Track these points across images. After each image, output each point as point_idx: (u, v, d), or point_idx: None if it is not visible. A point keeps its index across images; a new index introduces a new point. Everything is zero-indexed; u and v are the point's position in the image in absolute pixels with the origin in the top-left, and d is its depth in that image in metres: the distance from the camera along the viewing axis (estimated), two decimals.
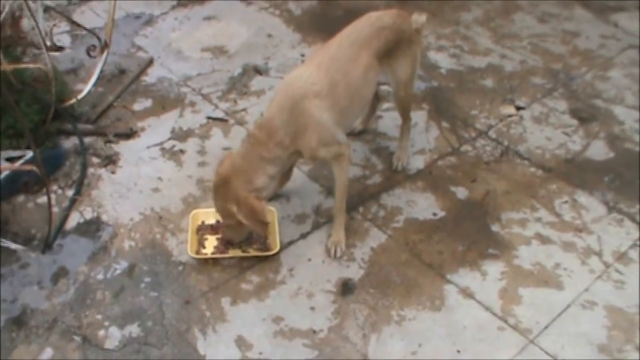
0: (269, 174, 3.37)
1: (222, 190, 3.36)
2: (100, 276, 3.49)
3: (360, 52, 3.57)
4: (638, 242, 3.84)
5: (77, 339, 3.21)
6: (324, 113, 3.36)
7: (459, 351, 3.22)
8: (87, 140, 4.29)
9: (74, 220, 3.81)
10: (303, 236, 3.76)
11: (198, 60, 5.13)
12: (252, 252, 3.61)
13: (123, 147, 4.27)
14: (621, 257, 3.75)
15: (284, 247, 3.67)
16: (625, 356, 3.25)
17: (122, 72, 4.87)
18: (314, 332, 3.27)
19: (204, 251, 3.60)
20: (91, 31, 4.58)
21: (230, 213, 3.35)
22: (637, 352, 3.27)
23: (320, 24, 5.62)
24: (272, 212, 3.72)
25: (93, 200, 3.91)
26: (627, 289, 3.58)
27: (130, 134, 4.36)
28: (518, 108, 4.83)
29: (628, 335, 3.35)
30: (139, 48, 5.22)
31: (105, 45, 4.52)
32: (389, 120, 4.56)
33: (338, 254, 3.63)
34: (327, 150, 3.46)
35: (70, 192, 3.96)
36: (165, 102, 4.67)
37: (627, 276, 3.64)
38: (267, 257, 3.60)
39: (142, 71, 4.92)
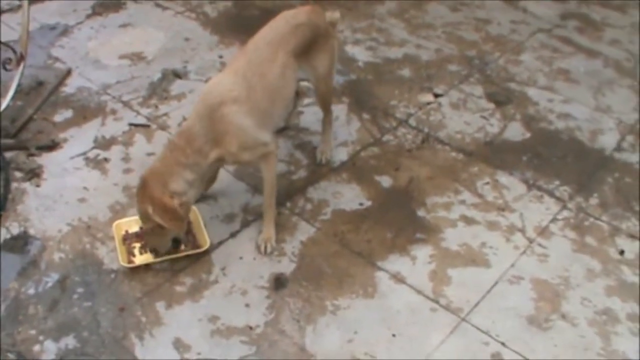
0: (186, 179, 3.38)
1: (140, 193, 3.38)
2: (31, 291, 3.44)
3: (277, 51, 3.60)
4: (558, 216, 3.99)
5: (12, 356, 3.16)
6: (243, 118, 3.39)
7: (394, 335, 3.29)
8: (9, 154, 4.21)
9: (0, 237, 3.76)
10: (233, 235, 3.78)
11: (116, 67, 5.09)
12: (183, 252, 3.62)
13: (46, 160, 4.21)
14: (543, 231, 3.89)
15: (214, 247, 3.68)
16: (552, 325, 3.39)
17: (40, 84, 4.80)
18: (251, 328, 3.30)
19: (134, 259, 3.59)
20: (5, 44, 4.50)
21: (148, 215, 3.36)
22: (563, 321, 3.41)
23: (237, 25, 5.64)
24: (194, 210, 3.76)
25: (19, 215, 3.85)
26: (550, 262, 3.72)
27: (52, 146, 4.30)
28: (436, 95, 4.95)
29: (554, 305, 3.49)
30: (56, 59, 5.15)
31: (21, 58, 4.45)
32: (310, 115, 4.61)
33: (269, 250, 3.66)
34: (250, 153, 3.49)
35: None
36: (86, 111, 4.62)
37: (549, 249, 3.79)
38: (198, 257, 3.61)
39: (61, 82, 4.86)
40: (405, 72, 5.17)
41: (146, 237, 3.57)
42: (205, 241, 3.63)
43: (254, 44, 3.64)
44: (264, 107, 3.49)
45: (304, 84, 4.34)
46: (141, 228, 3.63)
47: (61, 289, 3.46)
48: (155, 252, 3.59)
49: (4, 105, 4.38)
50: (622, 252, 3.83)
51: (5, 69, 4.45)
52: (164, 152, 3.44)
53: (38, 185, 4.05)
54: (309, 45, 3.78)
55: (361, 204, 3.99)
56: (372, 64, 5.25)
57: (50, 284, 3.48)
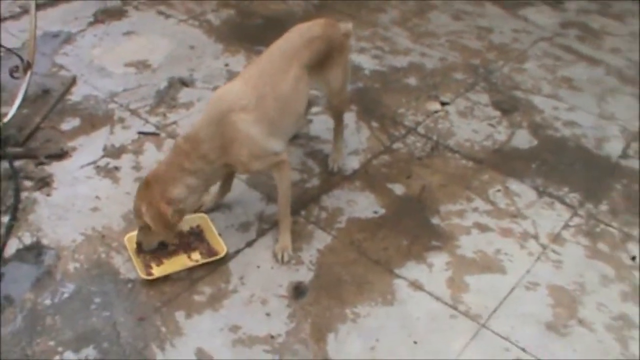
0: (188, 185, 3.39)
1: (140, 192, 3.41)
2: (47, 301, 3.41)
3: (291, 64, 3.60)
4: (569, 223, 4.03)
5: None
6: (252, 127, 3.39)
7: (415, 342, 3.29)
8: (17, 163, 4.19)
9: (12, 247, 3.71)
10: (249, 244, 3.77)
11: (122, 75, 5.08)
12: (201, 260, 3.62)
13: (56, 168, 4.19)
14: (556, 238, 3.92)
15: (231, 256, 3.68)
16: (570, 331, 3.41)
17: (46, 92, 4.78)
18: (272, 337, 3.29)
19: (153, 271, 3.57)
20: (12, 51, 4.48)
21: (140, 214, 3.38)
22: (581, 326, 3.43)
23: (241, 33, 5.65)
24: (204, 217, 3.78)
25: (31, 225, 3.83)
26: (564, 268, 3.75)
27: (61, 155, 4.28)
28: (443, 103, 4.98)
29: (571, 311, 3.52)
30: (61, 67, 5.13)
31: (28, 66, 4.44)
32: (319, 123, 4.62)
33: (286, 259, 3.66)
34: (260, 162, 3.50)
35: (5, 219, 3.86)
36: (93, 119, 4.61)
37: (563, 255, 3.82)
38: (216, 267, 3.60)
39: (67, 90, 4.84)
40: (412, 80, 5.20)
41: (138, 231, 3.56)
42: (222, 248, 3.63)
43: (267, 55, 3.65)
44: (274, 117, 3.48)
45: (312, 92, 4.33)
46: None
47: (78, 299, 3.43)
48: (140, 246, 3.58)
49: (11, 114, 4.36)
50: (634, 258, 3.87)
51: (13, 77, 4.44)
52: (169, 156, 3.46)
53: (49, 195, 4.03)
54: (323, 59, 3.78)
55: (375, 212, 4.00)
56: (378, 72, 5.28)
57: (66, 295, 3.45)
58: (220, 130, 3.37)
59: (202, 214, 3.80)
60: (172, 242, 3.66)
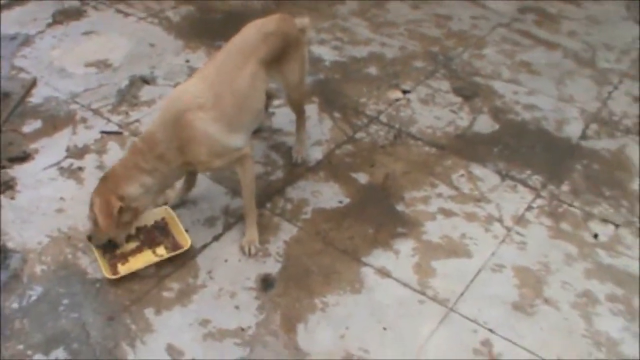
0: (143, 183, 3.41)
1: (96, 187, 3.43)
2: (15, 305, 3.39)
3: (247, 60, 3.60)
4: (532, 205, 4.08)
5: None
6: (210, 125, 3.39)
7: (384, 329, 3.33)
8: None
9: None
10: (216, 238, 3.78)
11: (83, 76, 5.05)
12: (166, 254, 3.62)
13: (19, 171, 4.16)
14: (519, 220, 3.98)
15: (198, 251, 3.68)
16: (536, 310, 3.47)
17: (6, 95, 4.73)
18: (242, 329, 3.30)
19: (119, 270, 3.56)
20: None
21: (91, 207, 3.40)
22: (547, 305, 3.49)
23: (201, 29, 5.64)
24: (168, 210, 3.79)
25: None
26: (529, 249, 3.81)
27: (24, 157, 4.25)
28: (404, 92, 5.02)
29: (536, 290, 3.58)
30: (20, 69, 5.09)
31: None
32: (282, 116, 4.63)
33: (253, 252, 3.68)
34: (221, 160, 3.51)
35: None
36: (55, 121, 4.58)
37: (527, 237, 3.88)
38: (184, 263, 3.60)
39: (27, 92, 4.80)
40: (372, 70, 5.23)
41: (91, 227, 3.55)
42: (187, 241, 3.63)
43: (223, 53, 3.64)
44: (232, 114, 3.48)
45: (273, 85, 4.35)
46: None
47: (46, 301, 3.42)
48: (90, 239, 3.56)
49: None
50: (596, 236, 3.93)
51: None
52: (126, 155, 3.49)
53: (13, 198, 4.00)
54: (279, 54, 3.79)
55: (340, 202, 4.03)
56: (338, 63, 5.30)
57: (34, 297, 3.43)
58: (177, 131, 3.37)
59: (166, 207, 3.81)
60: (121, 244, 3.63)
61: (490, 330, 3.35)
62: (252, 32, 3.73)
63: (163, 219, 3.78)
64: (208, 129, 3.38)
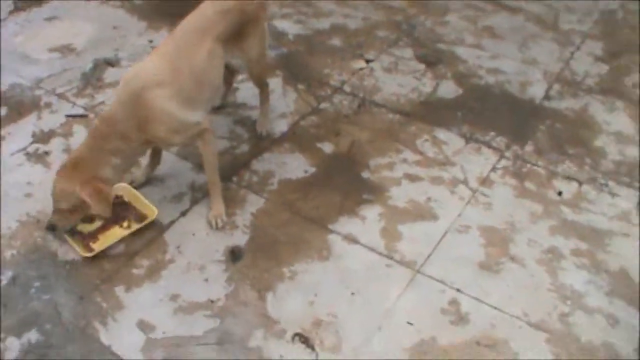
0: (112, 165, 3.40)
1: (64, 174, 3.37)
2: None
3: (204, 36, 3.58)
4: (497, 166, 4.12)
5: None
6: (168, 102, 3.37)
7: (353, 293, 3.36)
8: None
9: None
10: (183, 214, 3.78)
11: (47, 61, 5.01)
12: (135, 226, 3.63)
13: None
14: (484, 181, 4.02)
15: (167, 227, 3.68)
16: (502, 268, 3.52)
17: None
18: (212, 302, 3.32)
19: (93, 247, 3.56)
20: None
21: (70, 195, 3.35)
22: (513, 263, 3.54)
23: (163, 9, 5.60)
24: (125, 187, 3.80)
25: None
26: (494, 209, 3.85)
27: None
28: (368, 61, 5.03)
29: (502, 249, 3.63)
30: None
31: None
32: (246, 91, 4.62)
33: (220, 225, 3.69)
34: (181, 135, 3.51)
35: None
36: (20, 107, 4.54)
37: (492, 197, 3.92)
38: (152, 239, 3.61)
39: None
40: (336, 41, 5.24)
41: (54, 214, 3.50)
42: (152, 210, 3.66)
43: (181, 29, 3.63)
44: (190, 90, 3.47)
45: (235, 60, 4.34)
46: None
47: (17, 285, 3.41)
48: (53, 228, 3.52)
49: None
50: (560, 194, 3.98)
51: None
52: (88, 139, 3.44)
53: None
54: (238, 30, 3.76)
55: (306, 172, 4.04)
56: (302, 36, 5.30)
57: (5, 282, 3.42)
58: (135, 109, 3.35)
59: (122, 184, 3.78)
60: (107, 217, 3.62)
61: (458, 290, 3.39)
62: (209, 9, 3.71)
63: (120, 196, 3.79)
64: (166, 106, 3.37)
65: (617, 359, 3.19)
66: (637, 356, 3.20)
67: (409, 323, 3.24)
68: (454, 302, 3.34)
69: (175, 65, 3.44)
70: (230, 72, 4.26)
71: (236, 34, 3.76)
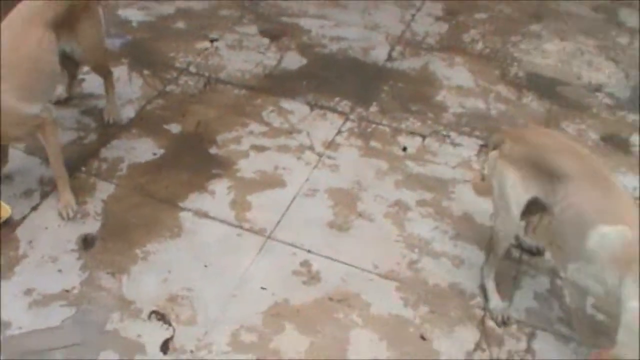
0: None
1: None
2: None
3: (34, 25, 3.53)
4: (342, 129, 4.24)
5: None
6: (3, 96, 3.30)
7: (206, 266, 3.42)
8: None
9: None
10: (34, 208, 3.73)
11: None
12: None
13: None
14: (330, 145, 4.14)
15: (18, 223, 3.61)
16: (351, 225, 3.66)
17: None
18: (67, 291, 3.30)
19: None
20: None
21: None
22: (361, 219, 3.68)
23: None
24: None
25: None
26: (341, 170, 3.98)
27: None
28: (212, 40, 5.06)
29: (350, 208, 3.76)
30: None
31: None
32: (91, 81, 4.55)
33: (71, 215, 3.66)
34: (19, 129, 3.46)
35: None
36: None
37: (338, 159, 4.05)
38: (3, 238, 3.54)
39: None
40: (180, 25, 5.24)
41: None
42: (6, 210, 3.61)
43: (7, 21, 3.57)
44: (23, 82, 3.42)
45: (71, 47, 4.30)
46: None
47: None
48: None
49: None
50: (405, 149, 4.14)
51: None
52: None
53: None
54: (68, 16, 3.73)
55: (155, 154, 4.06)
56: (146, 22, 5.27)
57: None
58: None
59: None
60: None
61: (308, 251, 3.50)
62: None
63: None
64: (2, 100, 3.33)
65: (463, 296, 3.36)
66: (480, 291, 3.39)
67: (262, 288, 3.32)
68: (305, 263, 3.44)
69: (6, 57, 3.38)
70: (74, 64, 4.20)
71: (67, 20, 3.72)
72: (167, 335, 3.12)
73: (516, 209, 3.14)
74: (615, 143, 4.49)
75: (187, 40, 5.07)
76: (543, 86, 4.85)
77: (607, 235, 2.78)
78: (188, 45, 5.00)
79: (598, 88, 4.94)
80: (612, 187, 2.94)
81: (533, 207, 3.21)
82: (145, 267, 3.42)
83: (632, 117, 4.75)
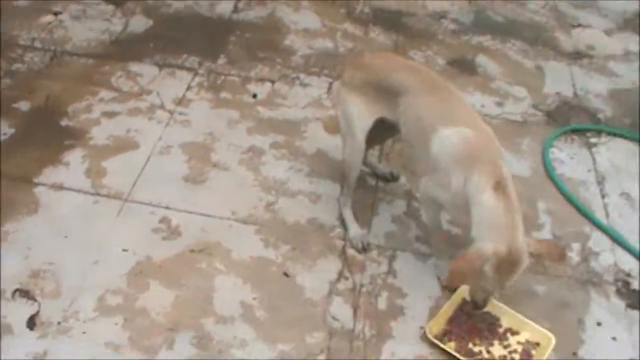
0: None
1: None
2: None
3: None
4: (192, 84, 4.29)
5: None
6: None
7: (66, 237, 3.42)
8: None
9: None
10: None
11: None
12: None
13: None
14: (181, 101, 4.20)
15: None
16: (207, 177, 3.75)
17: None
18: None
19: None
20: None
21: None
22: (216, 169, 3.77)
23: None
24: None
25: None
26: (193, 125, 4.05)
27: None
28: (56, 14, 5.00)
29: (204, 160, 3.85)
30: None
31: None
32: None
33: None
34: None
35: None
36: None
37: (190, 115, 4.12)
38: None
39: None
40: (22, 1, 5.15)
41: None
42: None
43: None
44: None
45: None
46: None
47: None
48: None
49: None
50: (255, 96, 4.23)
51: None
52: None
53: None
54: None
55: (5, 134, 4.00)
56: None
57: None
58: None
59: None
60: None
61: (167, 208, 3.56)
62: None
63: None
64: None
65: (323, 230, 3.50)
66: (339, 222, 3.53)
67: (123, 250, 3.36)
68: (164, 220, 3.50)
69: None
70: None
71: None
72: (33, 311, 3.12)
73: (361, 134, 3.27)
74: (461, 65, 4.69)
75: (29, 16, 4.99)
76: (389, 19, 5.00)
77: (448, 138, 2.93)
78: (31, 21, 4.93)
79: (443, 15, 5.12)
80: (450, 95, 3.10)
81: (384, 132, 3.35)
82: (4, 247, 3.39)
83: (476, 39, 4.95)
